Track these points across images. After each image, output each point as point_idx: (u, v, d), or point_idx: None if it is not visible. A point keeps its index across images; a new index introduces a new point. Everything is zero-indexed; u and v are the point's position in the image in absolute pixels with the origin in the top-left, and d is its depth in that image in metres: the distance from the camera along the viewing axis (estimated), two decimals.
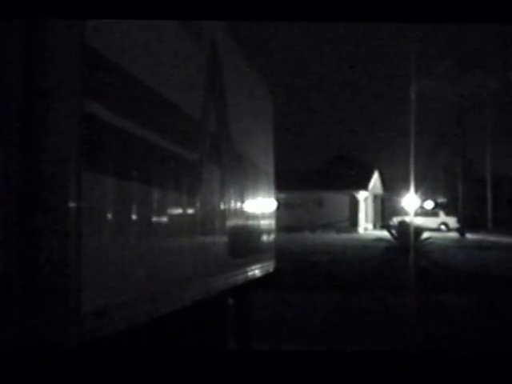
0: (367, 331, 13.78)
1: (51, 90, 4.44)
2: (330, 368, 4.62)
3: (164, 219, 6.39)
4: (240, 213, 9.48)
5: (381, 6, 4.17)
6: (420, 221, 39.93)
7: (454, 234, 48.67)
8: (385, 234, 30.76)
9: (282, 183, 20.81)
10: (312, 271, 23.04)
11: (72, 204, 4.47)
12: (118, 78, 5.17)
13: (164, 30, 6.21)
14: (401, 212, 48.93)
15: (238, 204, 9.33)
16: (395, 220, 44.97)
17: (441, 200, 60.82)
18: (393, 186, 57.11)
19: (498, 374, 4.45)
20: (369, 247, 31.45)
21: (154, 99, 5.99)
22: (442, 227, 54.62)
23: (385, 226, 47.73)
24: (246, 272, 9.96)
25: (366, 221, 57.08)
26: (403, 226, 27.16)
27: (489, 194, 57.30)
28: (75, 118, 4.51)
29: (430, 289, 18.29)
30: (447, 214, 56.58)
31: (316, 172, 57.91)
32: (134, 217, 5.52)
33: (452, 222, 54.99)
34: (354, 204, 55.28)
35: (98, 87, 4.81)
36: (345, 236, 45.34)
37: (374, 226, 58.01)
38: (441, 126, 55.53)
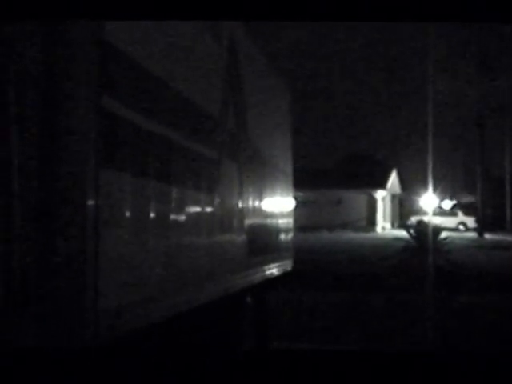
0: (385, 331, 13.74)
1: (69, 88, 4.43)
2: (341, 367, 4.60)
3: (182, 217, 6.37)
4: (258, 211, 9.46)
5: (382, 5, 4.16)
6: (438, 220, 39.79)
7: (472, 234, 48.47)
8: (403, 233, 30.62)
9: (300, 182, 20.73)
10: (330, 270, 23.00)
11: (90, 202, 4.47)
12: (136, 75, 5.17)
13: (182, 27, 6.20)
14: (419, 211, 48.81)
15: (257, 202, 9.31)
16: (413, 219, 44.91)
17: (463, 200, 60.55)
18: (411, 186, 56.93)
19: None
20: (387, 246, 31.35)
21: (173, 97, 5.99)
22: (461, 227, 54.45)
23: (403, 225, 47.58)
24: (264, 271, 9.94)
25: (384, 220, 56.96)
26: (421, 225, 27.08)
27: (508, 194, 57.01)
28: (93, 115, 4.51)
29: (448, 289, 18.21)
30: (466, 213, 56.39)
31: (334, 171, 57.88)
32: (151, 214, 5.51)
33: (470, 221, 54.81)
34: (372, 203, 55.18)
35: (116, 85, 4.80)
36: (363, 235, 45.27)
37: (392, 226, 57.90)
38: (460, 126, 55.31)
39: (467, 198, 58.17)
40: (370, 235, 46.43)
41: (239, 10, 4.28)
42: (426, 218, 29.09)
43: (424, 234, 22.44)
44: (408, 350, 11.55)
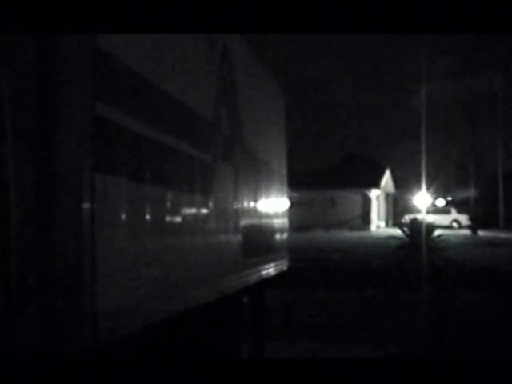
0: (380, 329, 13.81)
1: (64, 93, 4.47)
2: (339, 370, 4.67)
3: (178, 219, 6.41)
4: (253, 212, 9.51)
5: (378, 18, 4.25)
6: (432, 218, 39.88)
7: (465, 232, 48.62)
8: (397, 231, 30.66)
9: (295, 182, 20.80)
10: (325, 269, 23.06)
11: (86, 206, 4.50)
12: (129, 80, 5.19)
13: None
14: (413, 210, 48.86)
15: (252, 203, 9.36)
16: (407, 218, 44.89)
17: (457, 196, 60.62)
18: (404, 184, 57.04)
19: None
20: (381, 245, 31.45)
21: (166, 101, 6.01)
22: (454, 224, 54.58)
23: (397, 223, 47.65)
24: (260, 271, 10.00)
25: (379, 219, 57.08)
26: (415, 223, 27.03)
27: (501, 191, 57.14)
28: (87, 120, 4.53)
29: (443, 286, 18.28)
30: (459, 211, 56.52)
31: (329, 171, 58.01)
32: (147, 217, 5.53)
33: (464, 219, 54.97)
34: (367, 202, 55.28)
35: (109, 90, 4.82)
36: (357, 234, 45.39)
37: (387, 224, 58.03)
38: (452, 124, 55.43)
39: (462, 193, 58.21)
40: (364, 234, 46.53)
41: (235, 23, 4.36)
42: (419, 216, 29.06)
43: (418, 231, 22.39)
44: (405, 352, 11.61)
